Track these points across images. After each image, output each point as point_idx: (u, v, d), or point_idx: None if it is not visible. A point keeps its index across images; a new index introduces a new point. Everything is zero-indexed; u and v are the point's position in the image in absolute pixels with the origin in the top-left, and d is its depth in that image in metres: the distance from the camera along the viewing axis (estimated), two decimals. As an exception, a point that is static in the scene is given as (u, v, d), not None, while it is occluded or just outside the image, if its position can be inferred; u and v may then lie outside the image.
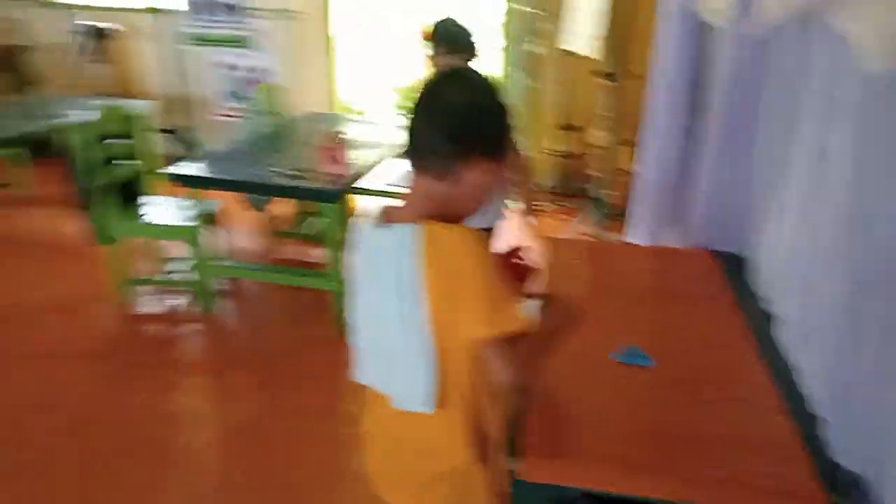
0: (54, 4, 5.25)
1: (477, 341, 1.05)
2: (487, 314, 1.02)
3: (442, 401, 1.11)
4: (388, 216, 1.12)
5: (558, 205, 4.64)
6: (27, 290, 3.38)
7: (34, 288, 3.41)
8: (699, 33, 2.52)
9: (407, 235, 1.06)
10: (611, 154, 4.12)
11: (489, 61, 6.17)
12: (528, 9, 4.32)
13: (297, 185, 2.79)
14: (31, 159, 4.55)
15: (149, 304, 3.30)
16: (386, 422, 1.22)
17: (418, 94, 1.07)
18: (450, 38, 2.34)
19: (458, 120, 1.05)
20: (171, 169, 2.93)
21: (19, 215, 4.32)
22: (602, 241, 3.73)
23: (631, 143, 4.36)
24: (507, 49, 4.98)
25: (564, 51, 4.41)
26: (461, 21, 2.38)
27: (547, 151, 4.75)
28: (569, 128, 4.70)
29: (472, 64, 2.35)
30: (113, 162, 3.13)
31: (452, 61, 2.33)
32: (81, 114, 3.92)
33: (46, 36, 5.23)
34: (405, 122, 1.07)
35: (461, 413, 1.13)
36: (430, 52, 2.35)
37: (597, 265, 2.18)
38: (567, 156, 4.74)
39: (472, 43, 2.35)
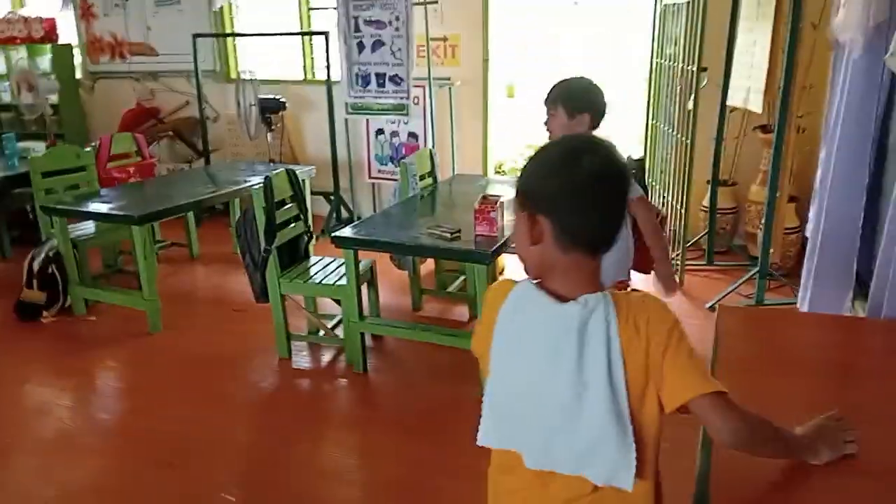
0: (232, 80, 5.82)
1: (693, 402, 1.02)
2: (703, 372, 1.02)
3: (640, 473, 1.05)
4: (549, 290, 1.09)
5: (713, 264, 4.40)
6: (198, 340, 3.65)
7: (205, 338, 3.67)
8: (882, 84, 2.32)
9: (600, 307, 1.03)
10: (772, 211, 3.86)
11: (628, 119, 6.15)
12: (679, 64, 4.22)
13: (451, 246, 2.84)
14: (200, 220, 4.99)
15: (305, 358, 3.44)
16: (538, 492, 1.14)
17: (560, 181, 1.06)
18: (569, 99, 2.24)
19: (619, 202, 1.07)
20: (331, 230, 3.08)
21: (190, 273, 4.72)
22: (769, 308, 3.47)
23: (795, 199, 4.09)
24: (652, 104, 4.88)
25: (721, 104, 4.25)
26: (586, 81, 2.29)
27: (702, 208, 4.55)
28: (724, 183, 4.48)
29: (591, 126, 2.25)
30: (281, 224, 3.34)
31: (571, 123, 2.24)
32: (252, 179, 4.27)
33: (223, 107, 5.78)
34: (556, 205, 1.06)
35: (651, 484, 1.09)
36: (552, 112, 2.27)
37: (767, 334, 2.01)
38: (723, 212, 4.51)
39: (594, 103, 2.25)
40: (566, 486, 1.10)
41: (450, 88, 5.11)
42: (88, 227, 4.13)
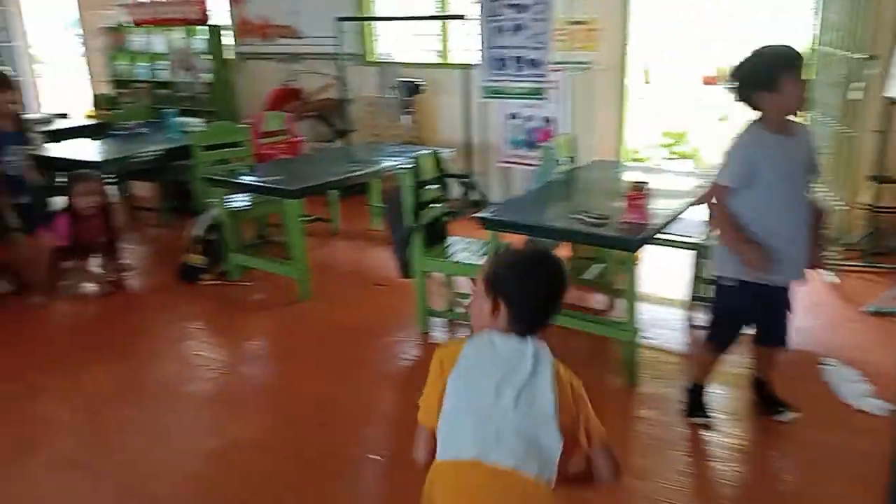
0: (376, 63, 6.02)
1: (594, 439, 1.49)
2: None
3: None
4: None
5: (870, 266, 4.15)
6: (343, 310, 3.84)
7: (349, 308, 3.86)
8: None
9: (545, 347, 1.50)
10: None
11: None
12: (845, 52, 3.98)
13: (598, 232, 2.84)
14: (340, 198, 5.21)
15: (444, 334, 3.55)
16: (488, 496, 1.39)
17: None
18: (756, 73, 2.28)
19: (559, 305, 1.57)
20: (464, 212, 3.15)
21: (333, 247, 4.95)
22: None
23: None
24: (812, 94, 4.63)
25: (889, 98, 3.99)
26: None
27: (859, 206, 4.29)
28: (886, 180, 4.20)
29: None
30: (423, 204, 3.44)
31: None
32: (390, 160, 4.42)
33: (365, 90, 5.99)
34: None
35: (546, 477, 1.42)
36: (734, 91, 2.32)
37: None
38: (883, 210, 4.23)
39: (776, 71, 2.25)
40: (498, 479, 1.38)
41: (587, 73, 5.05)
42: (243, 198, 4.41)
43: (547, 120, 5.09)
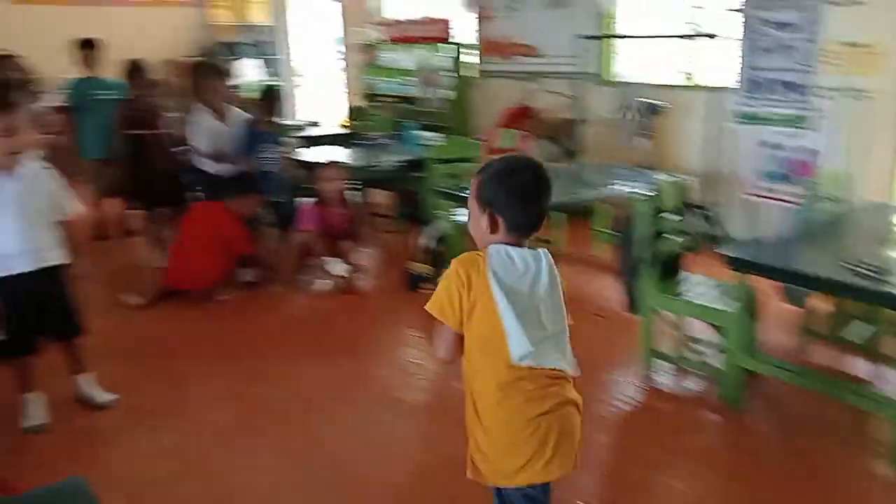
0: (614, 83, 5.80)
1: None
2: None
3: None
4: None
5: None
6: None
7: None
8: None
9: (547, 258, 1.66)
10: None
11: None
12: None
13: (878, 288, 2.38)
14: (567, 220, 5.04)
15: (667, 380, 3.24)
16: (556, 391, 1.65)
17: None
18: None
19: (546, 204, 1.66)
20: (722, 249, 2.82)
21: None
22: None
23: None
24: None
25: None
26: None
27: None
28: None
29: None
30: (659, 235, 3.17)
31: None
32: (622, 184, 4.18)
33: (601, 110, 5.79)
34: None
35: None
36: None
37: None
38: None
39: None
40: (557, 379, 1.66)
41: (861, 101, 4.39)
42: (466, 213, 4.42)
43: (808, 151, 4.51)
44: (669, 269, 3.30)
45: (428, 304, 1.65)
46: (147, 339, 3.78)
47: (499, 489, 1.71)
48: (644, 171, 4.63)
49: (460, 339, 1.65)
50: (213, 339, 3.77)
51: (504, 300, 1.57)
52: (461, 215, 4.37)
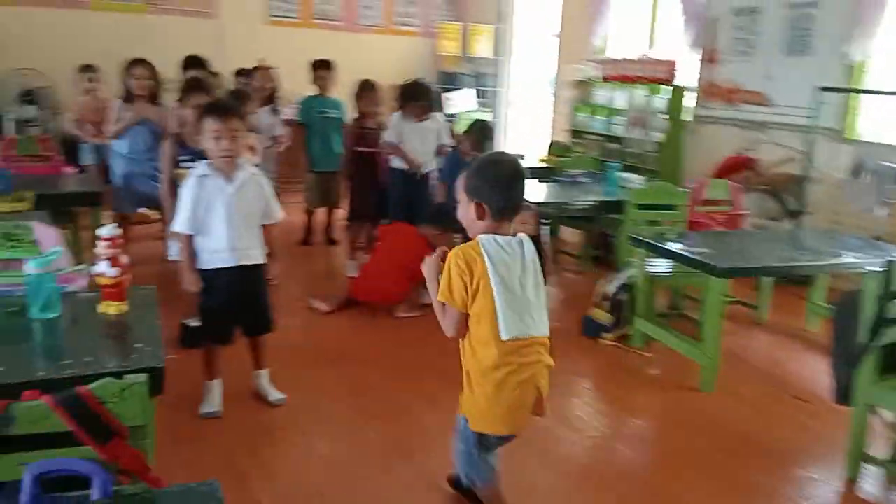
0: (854, 141, 5.17)
1: None
2: None
3: None
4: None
5: None
6: (747, 415, 3.26)
7: (754, 415, 3.27)
8: None
9: (528, 244, 2.08)
10: None
11: None
12: None
13: None
14: (774, 286, 4.53)
15: (879, 490, 2.73)
16: (535, 362, 2.08)
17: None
18: None
19: (523, 191, 2.09)
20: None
21: (752, 338, 4.32)
22: None
23: None
24: None
25: None
26: None
27: None
28: None
29: None
30: (887, 321, 2.70)
31: None
32: (852, 255, 3.67)
33: (833, 170, 5.18)
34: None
35: None
36: None
37: None
38: None
39: None
40: (535, 345, 2.08)
41: None
42: (664, 264, 4.13)
43: None
44: (894, 361, 2.80)
45: (438, 294, 2.06)
46: (324, 345, 3.94)
47: (480, 434, 2.15)
48: (877, 244, 4.03)
49: (466, 318, 2.05)
50: (388, 354, 3.84)
51: (498, 284, 1.97)
52: (654, 265, 4.09)
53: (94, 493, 1.30)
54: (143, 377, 1.38)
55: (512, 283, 1.99)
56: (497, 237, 2.00)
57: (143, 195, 4.61)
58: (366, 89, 5.08)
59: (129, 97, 4.55)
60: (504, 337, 1.98)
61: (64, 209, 4.07)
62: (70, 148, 5.29)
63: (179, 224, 2.90)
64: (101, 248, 2.13)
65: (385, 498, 2.56)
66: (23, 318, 2.09)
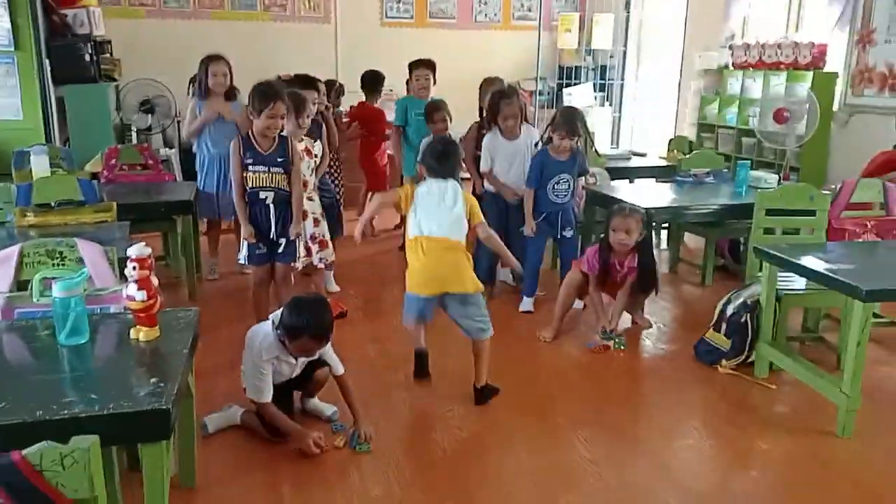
0: None
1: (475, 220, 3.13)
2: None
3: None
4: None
5: None
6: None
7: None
8: None
9: (454, 184, 3.11)
10: None
11: None
12: None
13: None
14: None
15: None
16: (440, 252, 3.00)
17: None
18: None
19: (455, 163, 3.21)
20: None
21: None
22: None
23: None
24: None
25: None
26: None
27: None
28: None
29: None
30: None
31: None
32: None
33: None
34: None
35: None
36: None
37: None
38: None
39: None
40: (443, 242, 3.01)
41: None
42: (797, 281, 3.54)
43: None
44: None
45: (391, 197, 3.31)
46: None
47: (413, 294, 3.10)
48: None
49: (396, 209, 3.39)
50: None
51: (420, 200, 3.07)
52: (786, 280, 3.51)
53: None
54: (88, 440, 1.17)
55: (430, 203, 3.05)
56: (429, 181, 3.11)
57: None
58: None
59: (204, 94, 4.51)
60: (416, 233, 3.04)
61: (157, 218, 4.12)
62: (191, 156, 5.34)
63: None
64: (129, 269, 1.99)
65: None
66: (53, 342, 1.99)
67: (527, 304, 4.30)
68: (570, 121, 4.05)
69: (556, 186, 4.14)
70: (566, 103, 8.09)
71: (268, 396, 2.68)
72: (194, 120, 4.58)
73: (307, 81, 4.40)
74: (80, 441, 1.16)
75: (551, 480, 2.59)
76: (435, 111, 4.85)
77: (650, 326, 4.05)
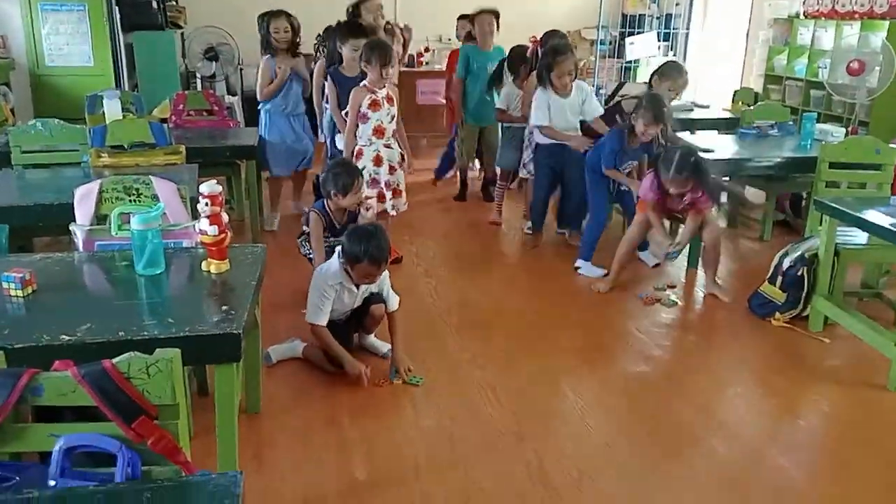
0: None
1: None
2: None
3: None
4: None
5: None
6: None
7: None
8: None
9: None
10: None
11: None
12: None
13: None
14: None
15: None
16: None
17: None
18: None
19: None
20: None
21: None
22: None
23: None
24: None
25: None
26: None
27: None
28: None
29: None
30: None
31: None
32: None
33: None
34: None
35: None
36: None
37: None
38: None
39: None
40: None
41: None
42: (859, 235, 3.47)
43: None
44: None
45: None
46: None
47: None
48: None
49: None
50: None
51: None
52: (847, 235, 3.45)
53: (118, 473, 1.25)
54: (172, 352, 1.28)
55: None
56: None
57: (299, 153, 4.71)
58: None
59: (269, 51, 4.53)
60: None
61: (222, 163, 4.27)
62: (254, 104, 5.45)
63: None
64: (202, 205, 2.11)
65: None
66: (131, 272, 2.14)
67: (586, 268, 4.15)
68: (658, 108, 3.83)
69: (621, 168, 4.09)
70: (628, 53, 7.90)
71: (324, 320, 2.84)
72: (267, 80, 4.56)
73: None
74: (164, 352, 1.28)
75: (600, 423, 2.67)
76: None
77: (729, 300, 3.81)
